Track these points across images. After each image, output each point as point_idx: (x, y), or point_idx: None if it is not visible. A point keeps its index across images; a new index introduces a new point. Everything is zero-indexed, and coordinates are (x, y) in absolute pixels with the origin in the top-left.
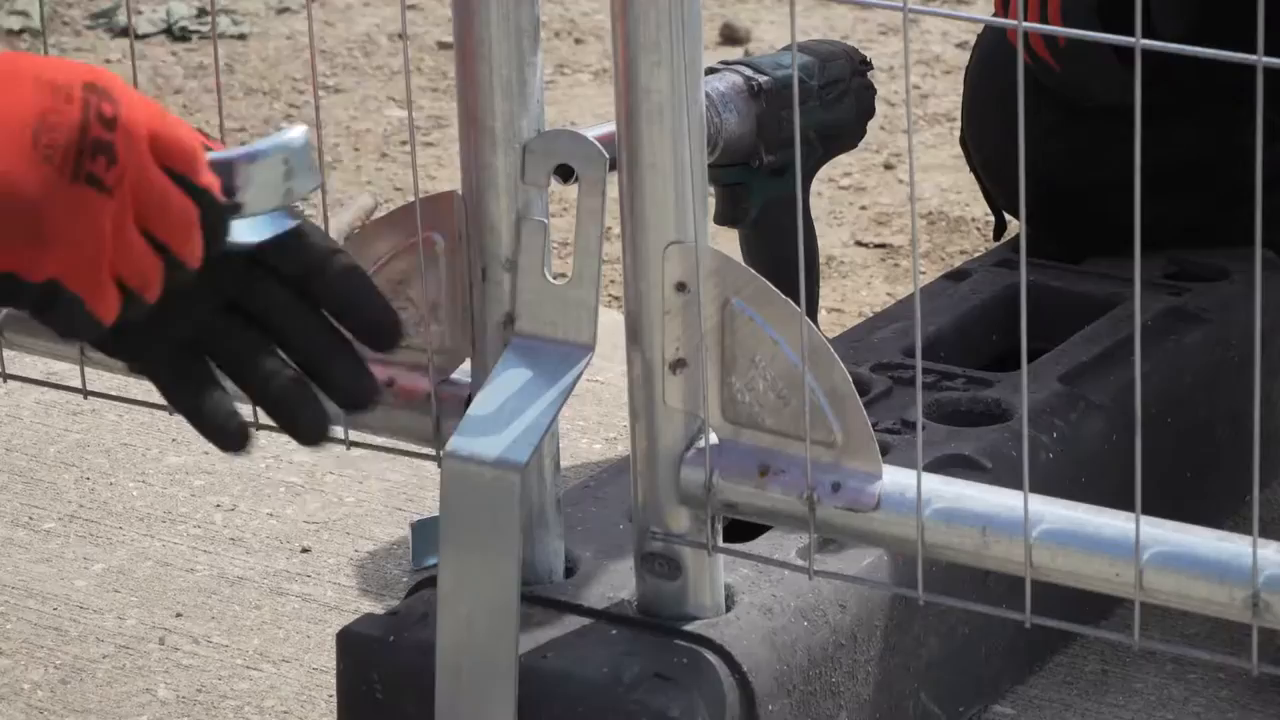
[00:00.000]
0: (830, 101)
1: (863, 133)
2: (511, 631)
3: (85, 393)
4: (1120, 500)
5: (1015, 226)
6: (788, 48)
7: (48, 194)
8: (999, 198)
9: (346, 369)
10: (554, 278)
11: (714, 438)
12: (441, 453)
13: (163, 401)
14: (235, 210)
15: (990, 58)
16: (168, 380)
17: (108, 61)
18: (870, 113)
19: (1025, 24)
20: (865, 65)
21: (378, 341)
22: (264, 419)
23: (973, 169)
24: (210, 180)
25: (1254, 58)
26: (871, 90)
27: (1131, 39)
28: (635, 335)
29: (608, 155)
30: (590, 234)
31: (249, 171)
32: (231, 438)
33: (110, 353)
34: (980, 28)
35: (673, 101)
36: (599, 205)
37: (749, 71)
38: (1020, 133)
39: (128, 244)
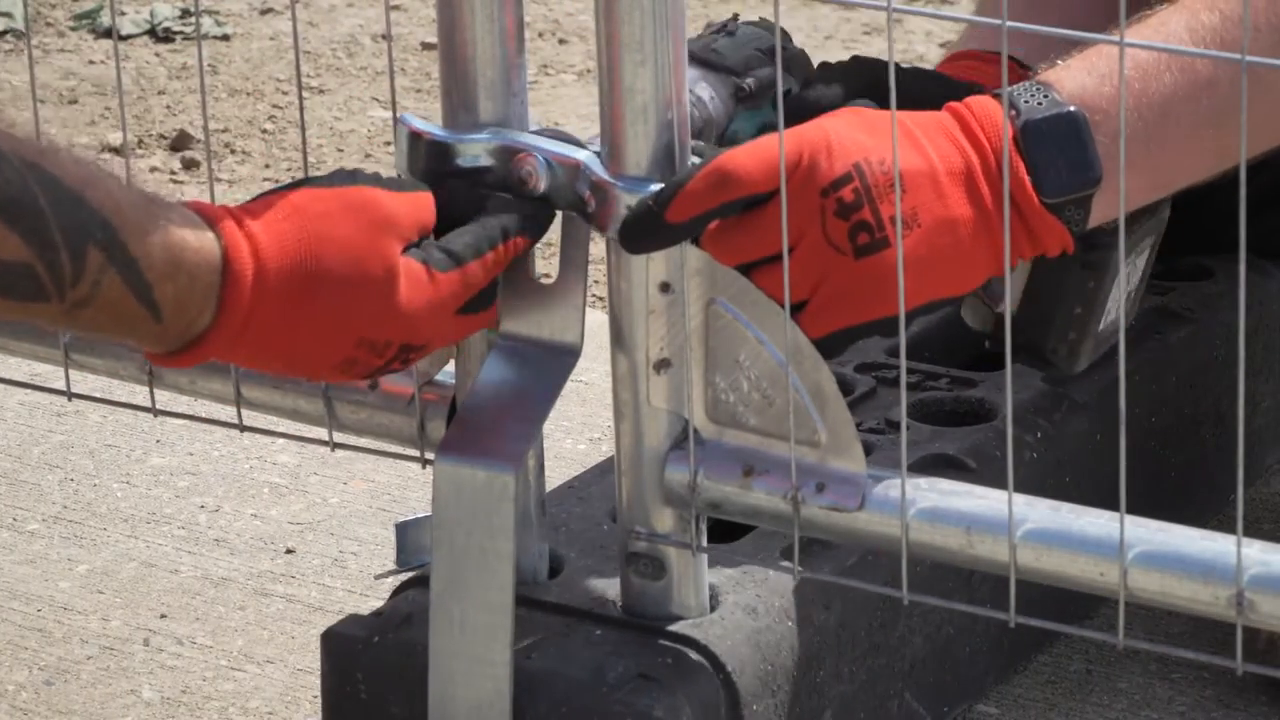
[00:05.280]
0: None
1: None
2: (506, 634)
3: (70, 395)
4: (1105, 500)
5: None
6: (758, 25)
7: (340, 381)
8: None
9: None
10: (538, 278)
11: (698, 438)
12: (426, 454)
13: (146, 403)
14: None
15: None
16: None
17: (90, 63)
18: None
19: (1009, 23)
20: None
21: None
22: (249, 422)
23: None
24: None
25: (1238, 56)
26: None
27: (1115, 38)
28: (619, 335)
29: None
30: (576, 233)
31: None
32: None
33: None
34: (964, 28)
35: (657, 101)
36: None
37: (735, 78)
38: (1006, 134)
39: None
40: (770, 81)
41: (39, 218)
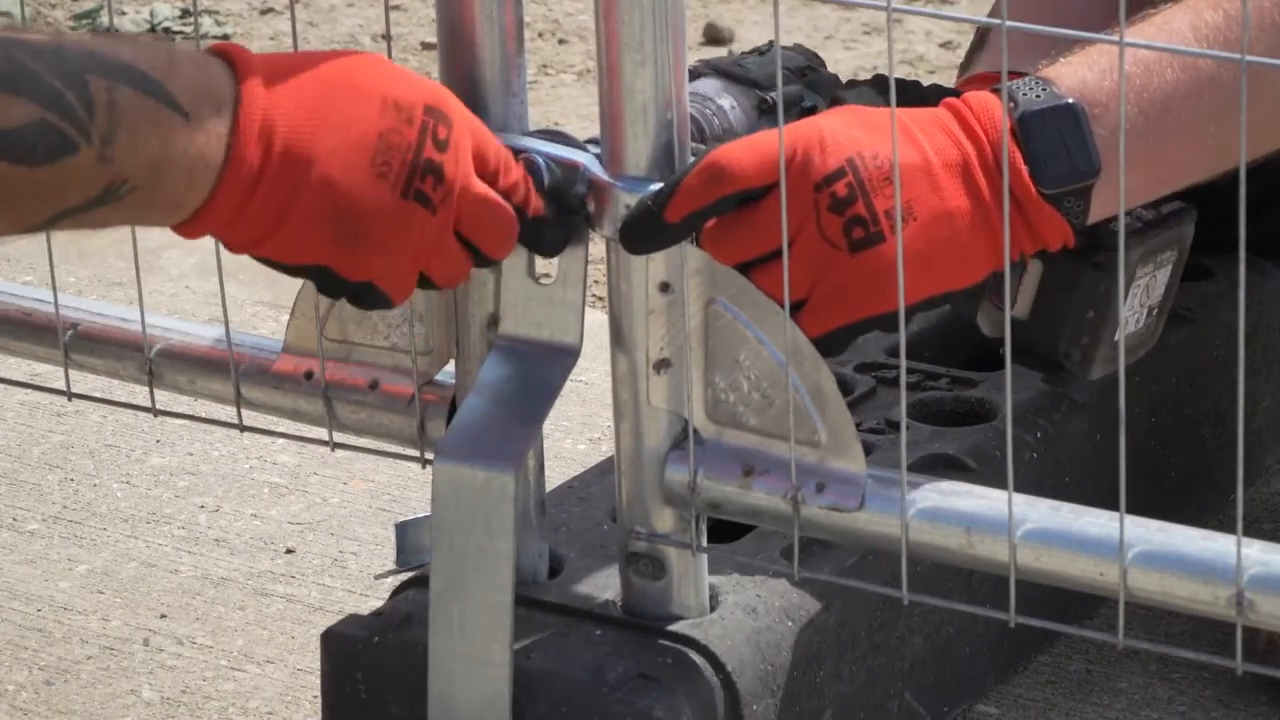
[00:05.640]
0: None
1: None
2: (506, 634)
3: (70, 395)
4: (1105, 500)
5: None
6: (790, 50)
7: (378, 207)
8: None
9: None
10: (538, 278)
11: (698, 438)
12: (426, 454)
13: (146, 403)
14: (543, 221)
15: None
16: None
17: None
18: None
19: (1009, 23)
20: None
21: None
22: (250, 422)
23: None
24: (515, 182)
25: (1238, 56)
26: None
27: (1114, 38)
28: (619, 335)
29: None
30: (576, 234)
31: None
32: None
33: None
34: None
35: (657, 101)
36: None
37: (758, 90)
38: (1005, 126)
39: (444, 250)
40: (796, 96)
41: (30, 75)
